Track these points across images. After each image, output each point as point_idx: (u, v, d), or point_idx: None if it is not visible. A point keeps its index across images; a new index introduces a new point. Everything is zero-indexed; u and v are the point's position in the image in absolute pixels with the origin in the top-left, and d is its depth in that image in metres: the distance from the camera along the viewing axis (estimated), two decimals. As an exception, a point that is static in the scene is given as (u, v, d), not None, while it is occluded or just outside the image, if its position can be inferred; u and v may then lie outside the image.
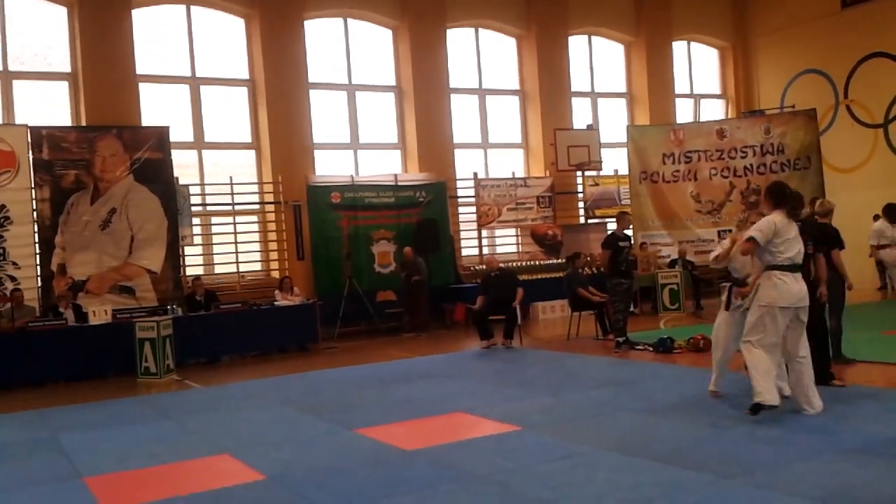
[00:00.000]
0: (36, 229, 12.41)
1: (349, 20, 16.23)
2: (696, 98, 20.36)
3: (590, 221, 17.61)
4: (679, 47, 19.97)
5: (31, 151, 12.39)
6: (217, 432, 7.32)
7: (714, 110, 20.56)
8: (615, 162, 17.85)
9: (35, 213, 12.41)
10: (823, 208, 9.89)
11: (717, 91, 20.79)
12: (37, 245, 12.41)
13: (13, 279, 12.09)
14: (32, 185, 12.37)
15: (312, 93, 15.54)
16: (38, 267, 12.41)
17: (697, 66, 20.45)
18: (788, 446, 5.58)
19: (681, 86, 19.89)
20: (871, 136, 17.65)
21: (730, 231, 15.96)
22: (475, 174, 16.79)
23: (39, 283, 12.41)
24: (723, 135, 16.43)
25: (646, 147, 16.50)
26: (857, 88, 17.83)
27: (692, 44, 20.32)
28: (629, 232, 12.27)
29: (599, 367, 9.67)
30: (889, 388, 7.17)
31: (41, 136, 12.47)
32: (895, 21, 17.08)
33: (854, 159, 17.79)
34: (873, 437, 5.68)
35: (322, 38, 15.95)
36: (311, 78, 15.50)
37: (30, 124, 12.55)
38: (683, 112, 19.85)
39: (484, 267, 14.81)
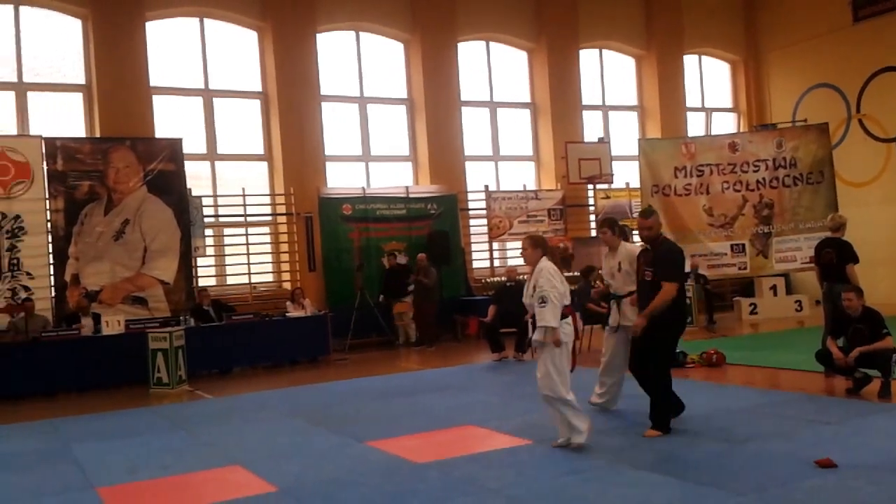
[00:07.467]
0: (50, 240, 12.51)
1: (361, 33, 16.32)
2: (708, 111, 20.33)
3: (601, 235, 17.53)
4: (690, 61, 19.97)
5: (45, 162, 12.51)
6: (229, 443, 7.34)
7: (726, 124, 20.52)
8: (626, 175, 17.83)
9: (49, 224, 12.52)
10: (835, 223, 9.86)
11: (729, 105, 20.77)
12: (51, 255, 12.49)
13: (27, 289, 12.17)
14: (47, 196, 12.47)
15: (324, 105, 15.60)
16: (52, 277, 12.48)
17: (709, 80, 20.43)
18: (800, 462, 5.55)
19: (692, 99, 19.88)
20: (884, 151, 17.57)
21: (743, 245, 15.96)
22: (486, 187, 16.81)
23: (53, 294, 12.48)
24: (735, 148, 16.38)
25: (657, 160, 16.45)
26: (870, 103, 17.77)
27: (703, 57, 20.31)
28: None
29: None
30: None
31: (55, 147, 12.60)
32: (907, 35, 17.05)
33: (867, 174, 17.71)
34: (886, 456, 5.63)
35: (334, 50, 16.03)
36: (323, 90, 15.57)
37: (44, 135, 12.67)
38: (695, 125, 19.82)
39: (497, 279, 14.74)
